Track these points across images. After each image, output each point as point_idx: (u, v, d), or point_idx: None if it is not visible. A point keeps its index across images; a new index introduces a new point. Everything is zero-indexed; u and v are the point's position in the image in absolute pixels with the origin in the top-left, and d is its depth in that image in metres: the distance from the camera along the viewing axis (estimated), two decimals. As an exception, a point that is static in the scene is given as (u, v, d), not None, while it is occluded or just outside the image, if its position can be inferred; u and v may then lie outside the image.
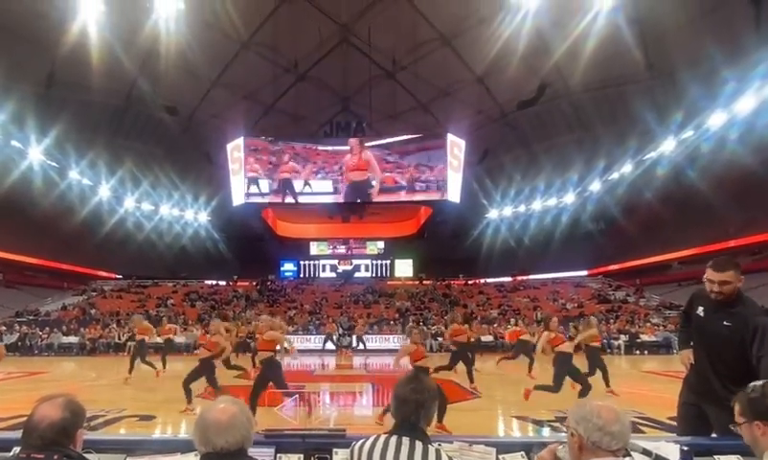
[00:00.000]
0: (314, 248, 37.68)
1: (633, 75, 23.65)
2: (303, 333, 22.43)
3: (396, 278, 35.71)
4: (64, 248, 30.03)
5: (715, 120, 21.93)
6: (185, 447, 2.19)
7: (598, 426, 1.49)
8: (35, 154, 25.29)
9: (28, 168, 25.47)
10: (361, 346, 20.72)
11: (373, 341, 21.46)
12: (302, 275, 37.25)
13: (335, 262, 37.59)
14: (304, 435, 2.36)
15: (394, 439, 1.65)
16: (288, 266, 37.98)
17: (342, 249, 37.79)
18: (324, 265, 37.59)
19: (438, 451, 1.65)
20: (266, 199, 28.97)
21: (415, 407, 1.67)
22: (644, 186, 28.15)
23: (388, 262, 37.61)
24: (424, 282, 33.41)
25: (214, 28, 23.61)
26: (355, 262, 37.49)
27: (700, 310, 2.86)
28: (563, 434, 1.71)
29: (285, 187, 28.10)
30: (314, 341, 21.46)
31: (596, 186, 30.69)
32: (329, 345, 20.90)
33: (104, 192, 30.92)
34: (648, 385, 8.15)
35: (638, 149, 26.38)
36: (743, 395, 1.81)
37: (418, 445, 1.62)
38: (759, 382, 1.82)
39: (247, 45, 25.64)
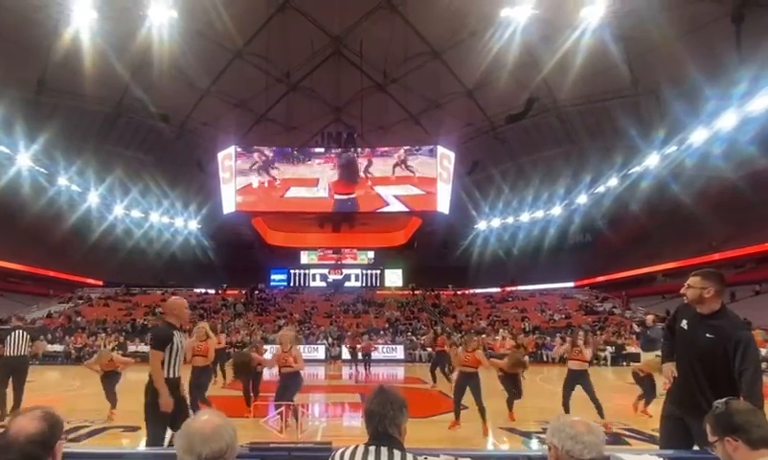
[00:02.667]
0: (304, 257, 37.54)
1: (619, 90, 24.19)
2: (291, 343, 22.27)
3: (386, 288, 35.70)
4: (51, 255, 29.63)
5: (698, 136, 22.43)
6: (170, 460, 2.16)
7: (570, 435, 1.56)
8: (24, 160, 25.02)
9: (16, 173, 25.18)
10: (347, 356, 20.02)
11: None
12: (292, 284, 37.06)
13: (325, 271, 37.48)
14: (290, 449, 2.36)
15: (372, 448, 1.72)
16: (278, 275, 37.79)
17: (332, 258, 37.70)
18: (314, 275, 37.45)
19: (415, 457, 1.74)
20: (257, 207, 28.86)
21: (379, 419, 1.76)
22: (630, 199, 28.62)
23: (378, 271, 37.62)
24: (415, 292, 33.43)
25: (207, 37, 23.69)
26: (345, 271, 37.42)
27: (684, 323, 2.88)
28: None
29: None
30: (303, 351, 21.28)
31: (582, 199, 31.11)
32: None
33: (93, 199, 30.63)
34: (634, 397, 8.23)
35: (623, 163, 26.87)
36: (710, 414, 1.84)
37: (397, 454, 1.70)
38: (723, 399, 1.85)
39: (240, 54, 25.75)
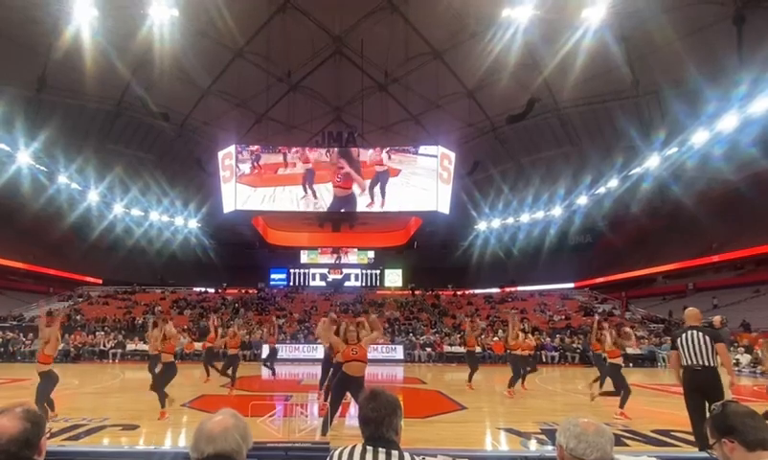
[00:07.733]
0: (304, 257, 37.57)
1: (619, 92, 24.16)
2: (291, 342, 22.32)
3: (386, 288, 35.71)
4: (51, 253, 29.64)
5: (699, 137, 22.35)
6: (169, 458, 2.15)
7: (575, 434, 1.56)
8: (24, 158, 25.01)
9: (16, 171, 25.17)
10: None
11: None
12: (292, 283, 37.08)
13: (325, 271, 37.51)
14: (288, 448, 2.36)
15: (370, 448, 1.77)
16: (278, 275, 37.81)
17: (332, 258, 37.72)
18: (314, 274, 37.49)
19: (412, 456, 1.77)
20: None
21: (375, 426, 1.79)
22: (630, 201, 28.58)
23: (378, 271, 37.64)
24: (414, 292, 33.43)
25: (208, 36, 23.69)
26: (345, 271, 37.44)
27: None
28: (550, 447, 1.77)
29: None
30: (303, 350, 21.34)
31: (583, 200, 31.06)
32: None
33: (93, 197, 30.61)
34: (632, 398, 8.21)
35: (624, 165, 26.82)
36: (709, 416, 1.85)
37: (394, 454, 1.74)
38: (721, 402, 1.86)
39: (241, 54, 25.74)
